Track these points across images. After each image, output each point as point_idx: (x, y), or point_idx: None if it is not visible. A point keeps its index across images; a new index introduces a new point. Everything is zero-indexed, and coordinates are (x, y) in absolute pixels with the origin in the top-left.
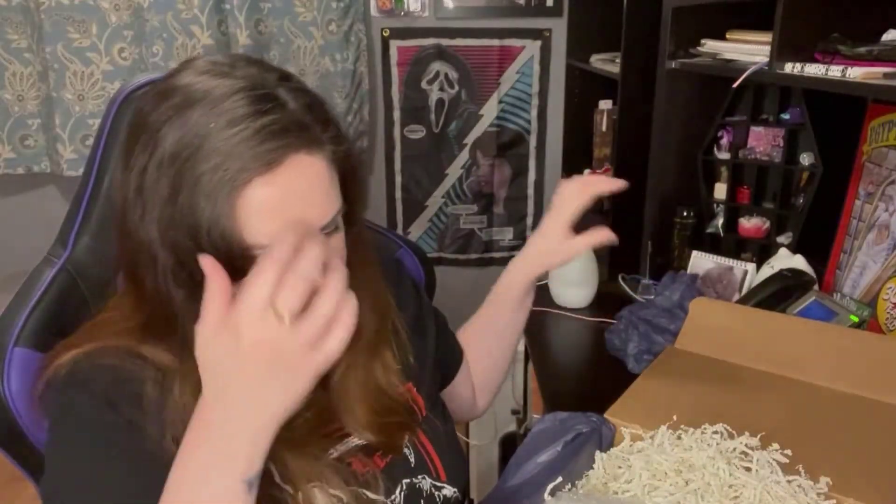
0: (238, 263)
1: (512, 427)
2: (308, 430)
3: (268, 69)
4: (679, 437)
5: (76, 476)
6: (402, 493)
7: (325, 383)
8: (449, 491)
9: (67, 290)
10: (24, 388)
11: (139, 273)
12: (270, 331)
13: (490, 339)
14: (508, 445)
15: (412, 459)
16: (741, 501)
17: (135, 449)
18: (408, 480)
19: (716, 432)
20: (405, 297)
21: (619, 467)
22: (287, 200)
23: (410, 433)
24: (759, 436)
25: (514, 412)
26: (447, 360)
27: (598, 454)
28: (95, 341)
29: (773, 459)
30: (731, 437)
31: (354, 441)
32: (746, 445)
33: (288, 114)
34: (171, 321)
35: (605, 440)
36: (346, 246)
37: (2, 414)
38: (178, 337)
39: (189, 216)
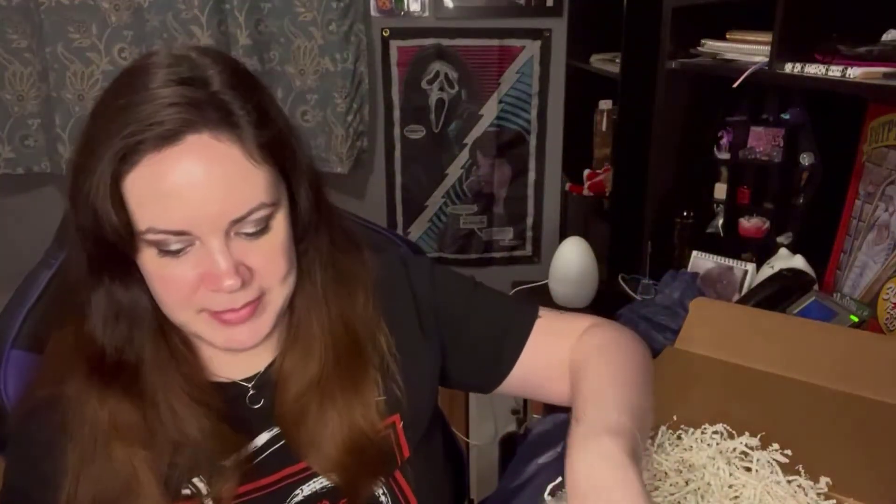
0: (128, 248)
1: (512, 427)
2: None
3: (218, 58)
4: (679, 437)
5: None
6: None
7: (302, 419)
8: None
9: (64, 291)
10: (20, 389)
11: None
12: None
13: None
14: (508, 445)
15: None
16: (741, 501)
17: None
18: None
19: (716, 432)
20: (401, 316)
21: None
22: (183, 188)
23: (383, 477)
24: (759, 436)
25: (514, 412)
26: (476, 379)
27: None
28: (50, 384)
29: (773, 459)
30: (731, 437)
31: (321, 482)
32: (746, 445)
33: (200, 90)
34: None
35: None
36: (301, 255)
37: None
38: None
39: (89, 198)
